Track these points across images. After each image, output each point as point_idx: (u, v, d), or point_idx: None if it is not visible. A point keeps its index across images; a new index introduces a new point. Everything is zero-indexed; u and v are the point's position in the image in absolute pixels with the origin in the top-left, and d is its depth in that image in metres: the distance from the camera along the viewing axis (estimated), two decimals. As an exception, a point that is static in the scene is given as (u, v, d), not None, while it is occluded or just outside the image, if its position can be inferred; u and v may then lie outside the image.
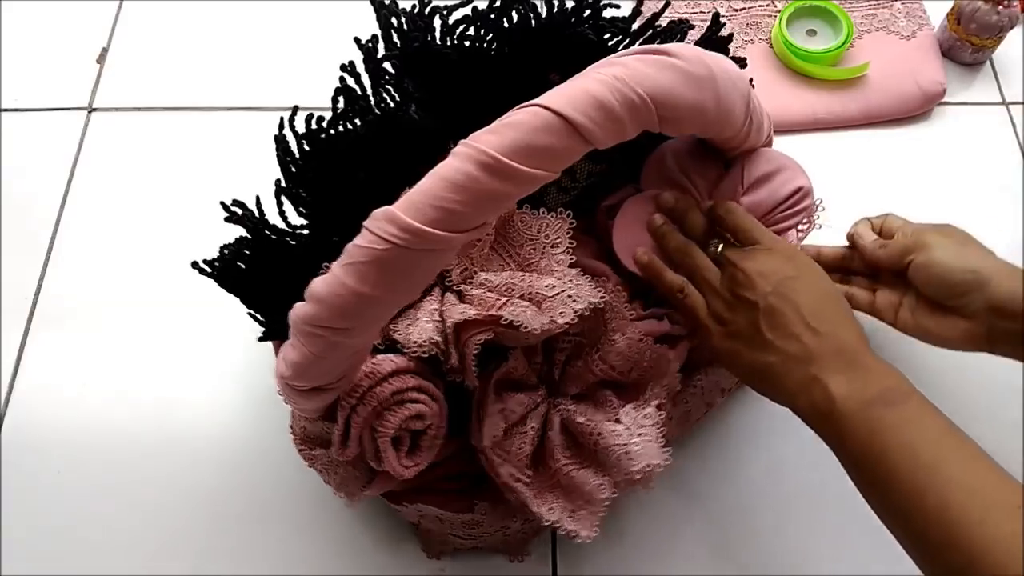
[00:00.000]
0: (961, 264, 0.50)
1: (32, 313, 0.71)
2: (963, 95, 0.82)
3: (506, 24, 0.48)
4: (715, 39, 0.51)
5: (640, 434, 0.46)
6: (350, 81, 0.50)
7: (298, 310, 0.37)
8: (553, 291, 0.44)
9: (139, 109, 0.81)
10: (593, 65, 0.39)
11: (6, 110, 0.81)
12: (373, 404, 0.42)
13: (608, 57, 0.40)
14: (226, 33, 0.86)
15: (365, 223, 0.35)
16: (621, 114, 0.37)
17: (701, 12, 0.85)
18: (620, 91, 0.37)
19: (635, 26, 0.50)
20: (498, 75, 0.48)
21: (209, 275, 0.49)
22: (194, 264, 0.48)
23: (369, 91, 0.50)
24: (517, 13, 0.48)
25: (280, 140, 0.49)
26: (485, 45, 0.49)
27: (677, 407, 0.53)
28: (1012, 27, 0.79)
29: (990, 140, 0.80)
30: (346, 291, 0.35)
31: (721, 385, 0.59)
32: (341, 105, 0.49)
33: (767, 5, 0.86)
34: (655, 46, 0.40)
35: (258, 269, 0.48)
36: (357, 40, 0.50)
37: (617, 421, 0.47)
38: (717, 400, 0.61)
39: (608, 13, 0.49)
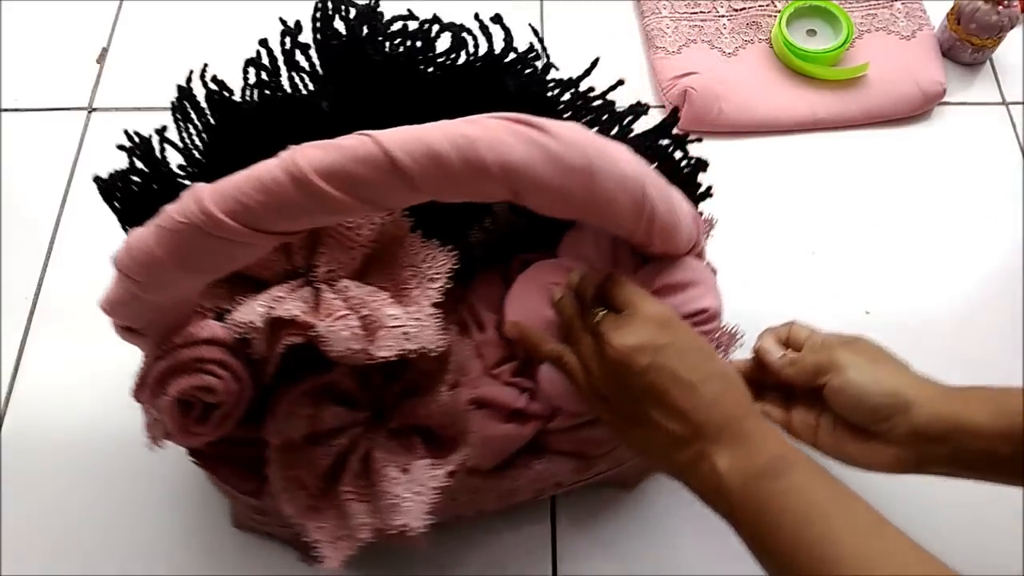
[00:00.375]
0: (879, 387, 0.47)
1: (32, 313, 0.71)
2: (963, 95, 0.82)
3: (431, 54, 0.48)
4: (669, 132, 0.49)
5: (417, 492, 0.44)
6: (264, 58, 0.50)
7: (117, 249, 0.37)
8: (394, 322, 0.42)
9: (139, 109, 0.81)
10: (464, 118, 0.37)
11: (6, 110, 0.81)
12: (172, 362, 0.42)
13: (477, 115, 0.38)
14: (226, 33, 0.85)
15: (183, 191, 0.35)
16: (458, 172, 0.36)
17: (701, 12, 0.85)
18: (462, 149, 0.35)
19: (578, 90, 0.48)
20: (419, 94, 0.48)
21: (98, 188, 0.49)
22: (95, 178, 0.49)
23: (284, 74, 0.50)
24: (454, 41, 0.47)
25: (184, 91, 0.50)
26: (413, 63, 0.48)
27: (504, 481, 0.52)
28: (1012, 27, 0.80)
29: (990, 140, 0.80)
30: (147, 248, 0.36)
31: (558, 479, 0.55)
32: (252, 77, 0.50)
33: (767, 5, 0.86)
34: (531, 117, 0.37)
35: (139, 201, 0.49)
36: (283, 21, 0.50)
37: (405, 470, 0.45)
38: (549, 492, 0.58)
39: (561, 74, 0.48)
